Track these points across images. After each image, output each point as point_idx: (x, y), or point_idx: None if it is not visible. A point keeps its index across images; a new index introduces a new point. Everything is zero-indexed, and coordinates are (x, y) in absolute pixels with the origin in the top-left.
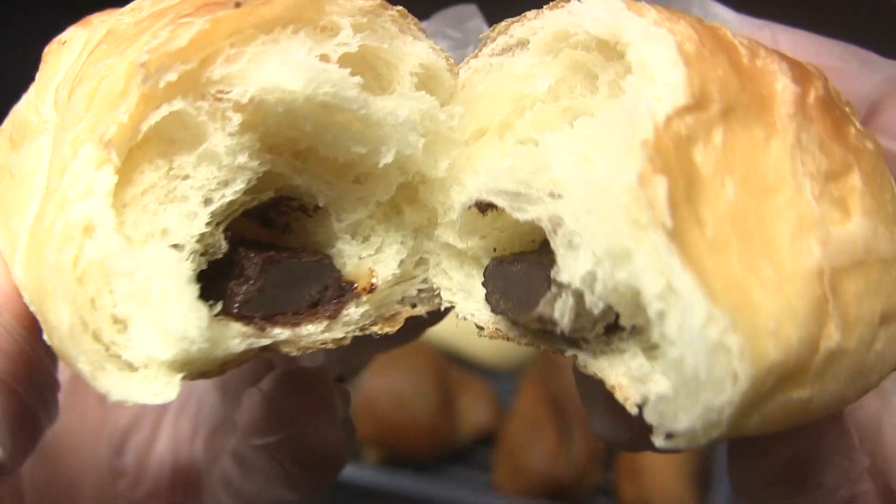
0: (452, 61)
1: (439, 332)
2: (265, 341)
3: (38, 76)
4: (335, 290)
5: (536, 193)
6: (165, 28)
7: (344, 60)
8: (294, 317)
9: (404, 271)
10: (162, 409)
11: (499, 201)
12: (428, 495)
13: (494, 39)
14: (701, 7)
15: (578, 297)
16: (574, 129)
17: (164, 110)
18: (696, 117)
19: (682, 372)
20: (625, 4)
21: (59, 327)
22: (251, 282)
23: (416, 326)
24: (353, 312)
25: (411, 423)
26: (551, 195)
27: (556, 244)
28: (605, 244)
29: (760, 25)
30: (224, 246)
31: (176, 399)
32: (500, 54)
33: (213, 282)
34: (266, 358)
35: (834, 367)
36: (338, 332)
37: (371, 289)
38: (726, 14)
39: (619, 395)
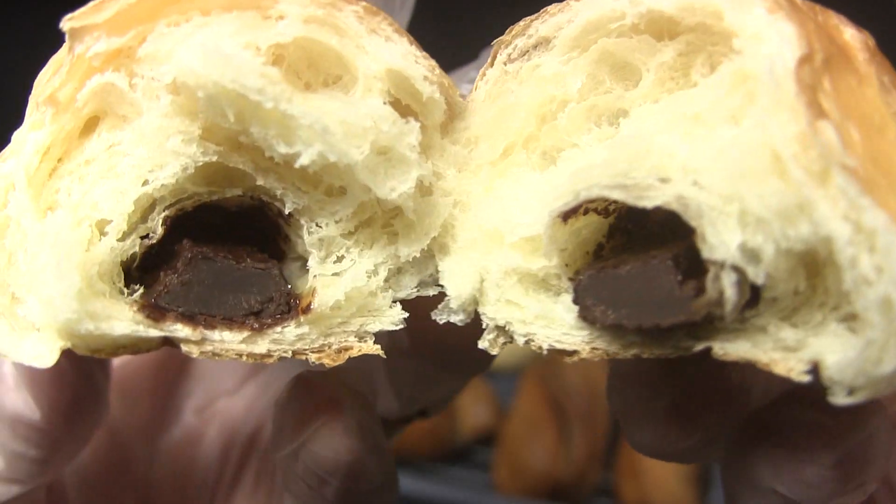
0: (447, 79)
1: None
2: (154, 332)
3: None
4: (281, 305)
5: (646, 180)
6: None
7: (286, 55)
8: (223, 321)
9: (361, 300)
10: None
11: (614, 195)
12: (428, 495)
13: (510, 43)
14: None
15: (739, 271)
16: (667, 107)
17: (95, 81)
18: (811, 67)
19: (890, 311)
20: None
21: None
22: (176, 274)
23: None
24: (288, 332)
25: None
26: (662, 180)
27: (701, 223)
28: (770, 205)
29: None
30: (160, 231)
31: None
32: (517, 59)
33: (150, 267)
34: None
35: None
36: (260, 348)
37: (306, 309)
38: None
39: (779, 370)
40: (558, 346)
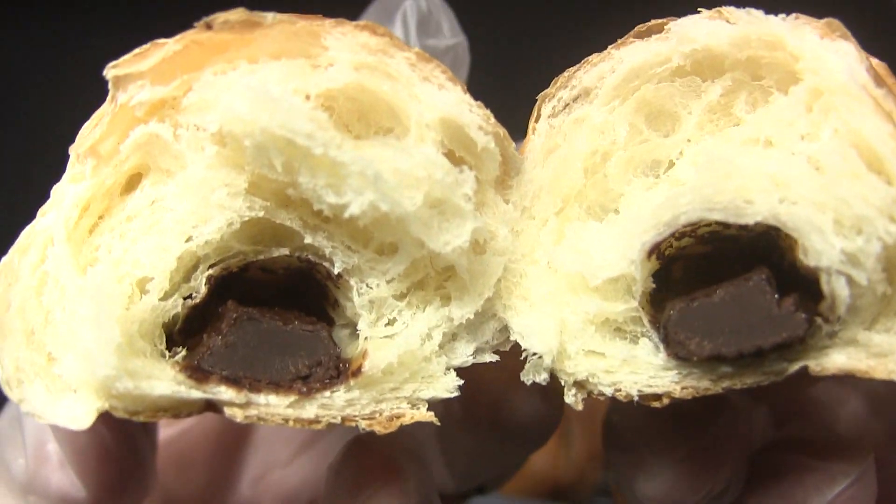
0: (503, 130)
1: None
2: (197, 395)
3: None
4: (330, 369)
5: (734, 202)
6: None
7: (335, 107)
8: (269, 385)
9: (414, 366)
10: None
11: (714, 216)
12: None
13: (554, 95)
14: None
15: (846, 276)
16: (725, 140)
17: (139, 131)
18: (877, 74)
19: None
20: (736, 14)
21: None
22: (220, 335)
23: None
24: (337, 396)
25: None
26: (747, 202)
27: (800, 233)
28: (873, 202)
29: None
30: (203, 291)
31: None
32: (560, 112)
33: (193, 330)
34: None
35: None
36: (307, 413)
37: (356, 372)
38: None
39: (879, 374)
40: (648, 390)
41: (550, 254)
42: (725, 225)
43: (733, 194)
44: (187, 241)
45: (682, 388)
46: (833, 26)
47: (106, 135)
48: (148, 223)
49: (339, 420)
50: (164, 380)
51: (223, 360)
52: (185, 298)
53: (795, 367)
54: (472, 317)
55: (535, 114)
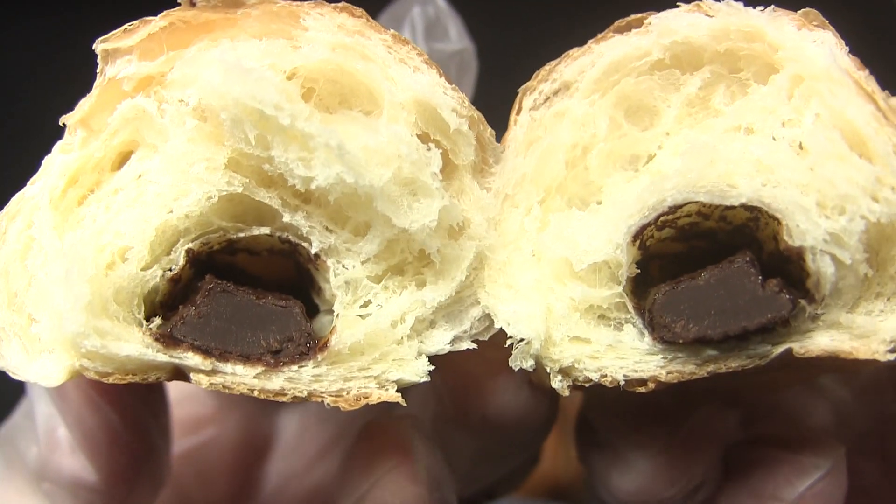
0: (478, 114)
1: None
2: (162, 358)
3: None
4: (301, 346)
5: (717, 186)
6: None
7: (316, 88)
8: (239, 357)
9: (385, 347)
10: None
11: (700, 197)
12: None
13: (535, 88)
14: None
15: (830, 255)
16: (707, 130)
17: (126, 104)
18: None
19: None
20: (720, 6)
21: None
22: (194, 306)
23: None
24: (305, 371)
25: None
26: (730, 185)
27: (785, 214)
28: (856, 181)
29: None
30: (181, 263)
31: None
32: (541, 105)
33: (177, 302)
34: None
35: None
36: (273, 384)
37: (324, 347)
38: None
39: (862, 355)
40: (634, 375)
41: (535, 241)
42: (706, 216)
43: (717, 179)
44: (168, 213)
45: (668, 373)
46: (810, 16)
47: (95, 107)
48: (133, 196)
49: (305, 394)
50: (132, 342)
51: (195, 330)
52: (166, 271)
53: (780, 349)
54: (443, 300)
55: (516, 106)
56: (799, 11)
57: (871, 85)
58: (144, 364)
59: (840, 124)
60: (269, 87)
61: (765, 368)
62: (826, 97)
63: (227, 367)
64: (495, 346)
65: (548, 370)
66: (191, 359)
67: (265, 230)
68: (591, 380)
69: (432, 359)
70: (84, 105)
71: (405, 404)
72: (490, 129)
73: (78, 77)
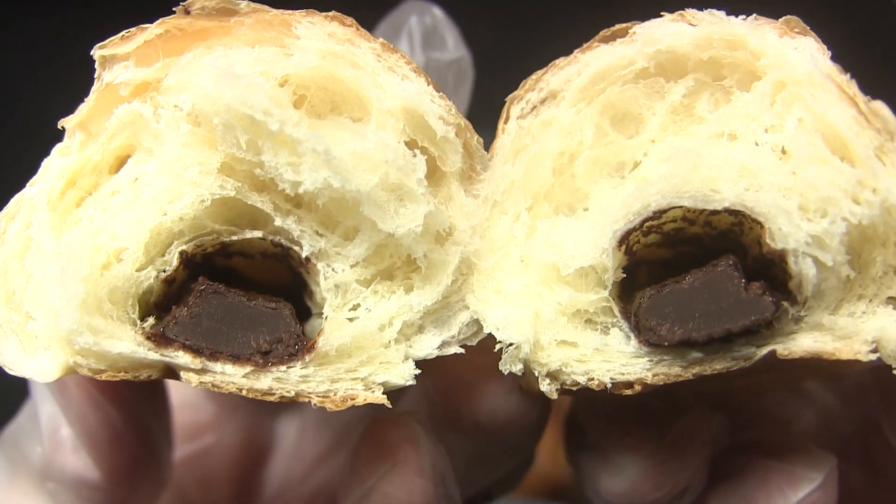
0: (466, 122)
1: None
2: (153, 356)
3: None
4: (290, 347)
5: (701, 191)
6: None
7: (308, 95)
8: (229, 357)
9: (372, 350)
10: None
11: (684, 202)
12: None
13: (522, 97)
14: None
15: (812, 257)
16: (691, 136)
17: (122, 109)
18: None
19: None
20: (705, 16)
21: None
22: (186, 307)
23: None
24: (293, 372)
25: None
26: (713, 191)
27: (767, 217)
28: (838, 184)
29: None
30: (175, 264)
31: None
32: (529, 114)
33: (169, 300)
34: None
35: None
36: (261, 384)
37: (311, 348)
38: None
39: (845, 356)
40: (620, 378)
41: (523, 247)
42: (691, 221)
43: (701, 184)
44: (163, 216)
45: (654, 375)
46: (792, 24)
47: (92, 111)
48: (129, 198)
49: (292, 394)
50: (124, 340)
51: (187, 330)
52: (160, 272)
53: (763, 351)
54: (430, 304)
55: (504, 115)
56: (780, 19)
57: (853, 89)
58: (136, 362)
59: (822, 128)
60: (259, 93)
61: (750, 371)
62: (808, 102)
63: (217, 367)
64: (485, 351)
65: (536, 374)
66: (181, 357)
67: (258, 234)
68: (579, 383)
69: (423, 363)
70: (82, 109)
71: (391, 406)
72: (478, 136)
73: (77, 78)
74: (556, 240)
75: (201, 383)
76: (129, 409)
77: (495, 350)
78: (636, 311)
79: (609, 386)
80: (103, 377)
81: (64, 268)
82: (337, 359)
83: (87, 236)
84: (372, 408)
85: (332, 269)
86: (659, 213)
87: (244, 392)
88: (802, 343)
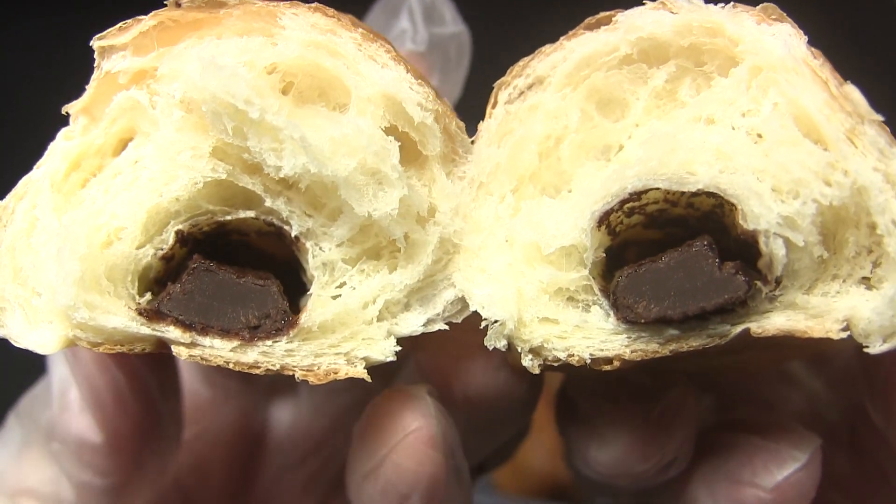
0: (446, 108)
1: None
2: (146, 331)
3: None
4: (278, 322)
5: (677, 173)
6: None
7: (295, 82)
8: (219, 331)
9: (355, 326)
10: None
11: (659, 184)
12: None
13: (510, 84)
14: None
15: (784, 238)
16: (672, 120)
17: (121, 96)
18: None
19: None
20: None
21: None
22: (180, 284)
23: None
24: (278, 346)
25: None
26: (689, 173)
27: (740, 199)
28: (809, 166)
29: None
30: (171, 242)
31: None
32: (516, 99)
33: (169, 276)
34: None
35: None
36: (248, 358)
37: (293, 323)
38: None
39: (817, 334)
40: (599, 354)
41: (507, 227)
42: (673, 203)
43: (677, 166)
44: (159, 197)
45: (632, 351)
46: (769, 10)
47: (93, 98)
48: (129, 180)
49: (277, 367)
50: (119, 315)
51: (181, 306)
52: (157, 250)
53: (738, 329)
54: (411, 283)
55: (492, 100)
56: (758, 7)
57: (826, 73)
58: (130, 336)
59: (796, 112)
60: (240, 83)
61: (727, 348)
62: (782, 86)
63: (206, 341)
64: (473, 329)
65: (519, 350)
66: (172, 332)
67: (250, 213)
68: (560, 359)
69: (414, 340)
70: (84, 96)
71: (370, 381)
72: (458, 120)
73: (77, 77)
74: (538, 220)
75: (190, 356)
76: (136, 378)
77: (481, 327)
78: (614, 290)
79: (588, 361)
80: (101, 350)
81: (61, 248)
82: (320, 334)
83: (86, 216)
84: (366, 392)
85: (320, 248)
86: (637, 195)
87: (231, 365)
88: (776, 321)
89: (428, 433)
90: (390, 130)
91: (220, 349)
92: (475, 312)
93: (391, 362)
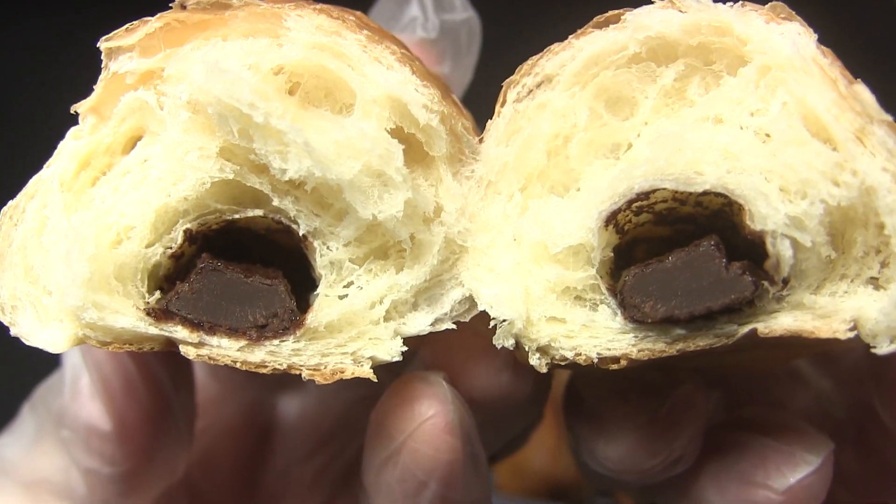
0: (454, 109)
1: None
2: (154, 331)
3: None
4: (285, 321)
5: (684, 173)
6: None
7: (301, 83)
8: (227, 331)
9: (362, 326)
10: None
11: (666, 185)
12: None
13: (518, 82)
14: None
15: (791, 238)
16: (680, 119)
17: (129, 96)
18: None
19: None
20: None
21: (7, 258)
22: (188, 283)
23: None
24: (285, 345)
25: None
26: (697, 173)
27: (747, 199)
28: (816, 166)
29: None
30: (179, 241)
31: None
32: (525, 98)
33: (179, 274)
34: None
35: None
36: (255, 357)
37: (300, 323)
38: None
39: (824, 334)
40: (607, 353)
41: (515, 226)
42: (682, 202)
43: (684, 166)
44: (167, 196)
45: (639, 351)
46: (778, 9)
47: (101, 98)
48: (138, 179)
49: (284, 367)
50: (128, 315)
51: (188, 305)
52: (167, 248)
53: (745, 329)
54: (417, 283)
55: (500, 99)
56: (767, 5)
57: (835, 72)
58: (138, 335)
59: (804, 111)
60: (244, 87)
61: (734, 347)
62: (791, 86)
63: (214, 340)
64: (478, 330)
65: (526, 349)
66: (179, 332)
67: (259, 212)
68: (567, 358)
69: (422, 339)
70: (92, 96)
71: (376, 380)
72: (464, 121)
73: (78, 78)
74: (546, 219)
75: (198, 356)
76: (147, 368)
77: (489, 327)
78: (621, 289)
79: (596, 360)
80: (110, 349)
81: (69, 249)
82: (327, 334)
83: (96, 216)
84: (374, 388)
85: (327, 247)
86: (645, 195)
87: (238, 364)
88: (783, 322)
89: (445, 419)
90: (396, 131)
91: (227, 348)
92: (483, 311)
93: (397, 361)
